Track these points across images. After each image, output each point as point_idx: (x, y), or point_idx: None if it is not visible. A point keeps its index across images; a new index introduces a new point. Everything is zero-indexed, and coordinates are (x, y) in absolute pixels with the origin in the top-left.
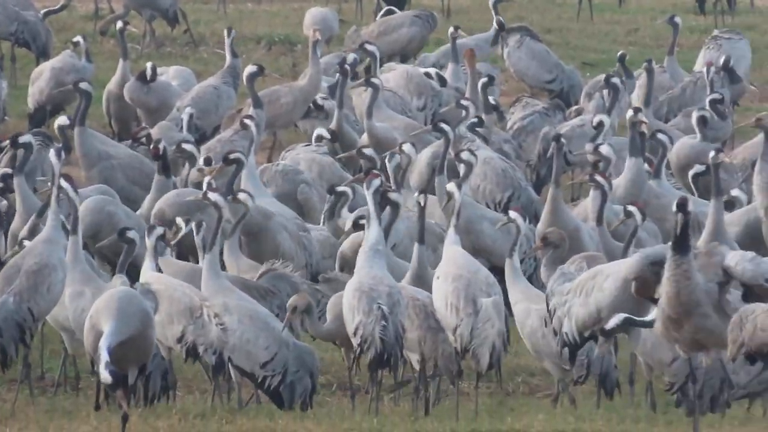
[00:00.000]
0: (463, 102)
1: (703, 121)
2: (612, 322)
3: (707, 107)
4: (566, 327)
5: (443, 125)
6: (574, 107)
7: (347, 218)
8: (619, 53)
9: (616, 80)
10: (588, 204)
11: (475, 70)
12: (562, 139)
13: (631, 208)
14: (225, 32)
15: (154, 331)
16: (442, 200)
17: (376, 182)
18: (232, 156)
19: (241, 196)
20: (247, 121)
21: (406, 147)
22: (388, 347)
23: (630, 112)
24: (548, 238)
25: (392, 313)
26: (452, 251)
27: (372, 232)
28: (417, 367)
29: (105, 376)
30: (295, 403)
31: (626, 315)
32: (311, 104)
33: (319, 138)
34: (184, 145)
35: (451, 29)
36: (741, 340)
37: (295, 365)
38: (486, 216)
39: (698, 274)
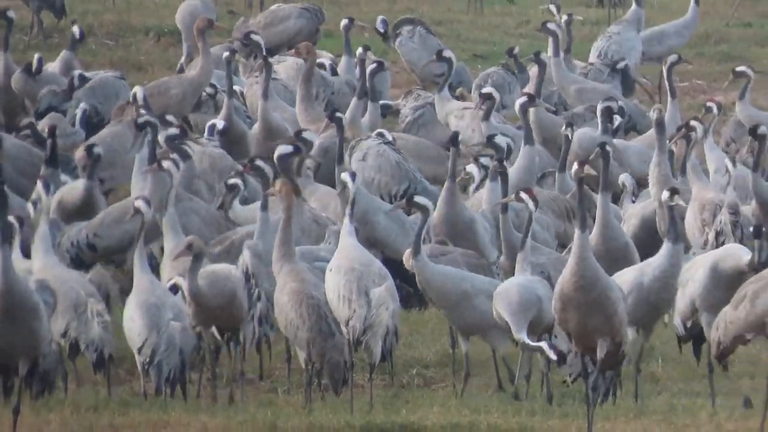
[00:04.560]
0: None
1: (607, 112)
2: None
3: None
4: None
5: (338, 114)
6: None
7: (239, 211)
8: (508, 47)
9: (543, 56)
10: (483, 194)
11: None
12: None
13: (523, 195)
14: None
15: (42, 325)
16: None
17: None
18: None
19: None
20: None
21: (307, 134)
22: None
23: (522, 99)
24: None
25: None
26: (346, 244)
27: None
28: (303, 365)
29: None
30: (162, 382)
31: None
32: (204, 94)
33: (212, 128)
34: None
35: (345, 21)
36: (717, 338)
37: (165, 344)
38: (382, 208)
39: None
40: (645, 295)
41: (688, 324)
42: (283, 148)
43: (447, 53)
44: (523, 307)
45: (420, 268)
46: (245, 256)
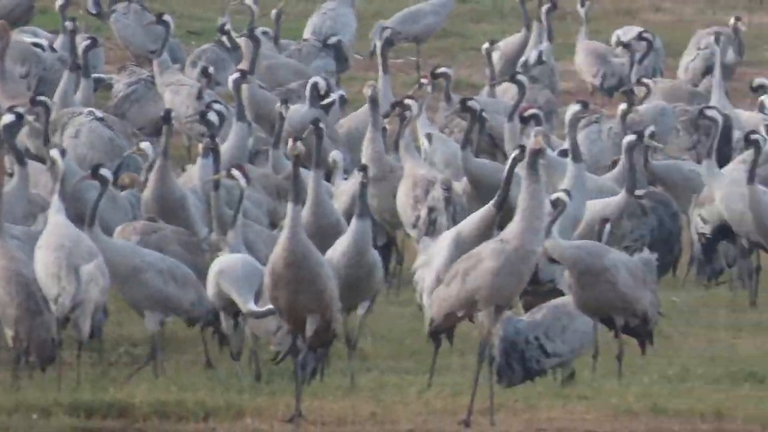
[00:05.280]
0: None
1: (314, 89)
2: None
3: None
4: None
5: (41, 98)
6: None
7: None
8: (220, 23)
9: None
10: (194, 171)
11: None
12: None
13: (234, 171)
14: None
15: None
16: None
17: None
18: None
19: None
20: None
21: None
22: None
23: (235, 75)
24: None
25: None
26: (55, 221)
27: None
28: (11, 343)
29: None
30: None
31: None
32: None
33: None
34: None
35: (60, 0)
36: (430, 316)
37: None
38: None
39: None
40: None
41: None
42: (7, 118)
43: (166, 17)
44: (248, 280)
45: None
46: None
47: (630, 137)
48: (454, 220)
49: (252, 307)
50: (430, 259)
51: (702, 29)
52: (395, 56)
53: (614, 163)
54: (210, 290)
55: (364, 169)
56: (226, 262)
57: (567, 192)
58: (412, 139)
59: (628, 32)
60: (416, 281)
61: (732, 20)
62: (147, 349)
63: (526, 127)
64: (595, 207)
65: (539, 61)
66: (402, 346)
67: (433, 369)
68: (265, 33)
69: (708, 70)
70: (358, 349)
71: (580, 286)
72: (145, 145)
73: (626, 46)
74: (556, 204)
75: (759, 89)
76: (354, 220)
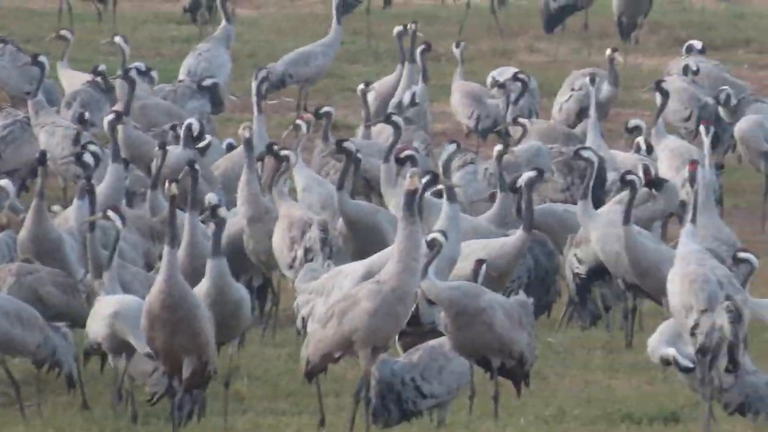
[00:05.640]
0: None
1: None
2: None
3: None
4: None
5: None
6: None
7: None
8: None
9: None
10: (69, 212)
11: None
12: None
13: (110, 213)
14: None
15: None
16: None
17: None
18: None
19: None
20: None
21: None
22: None
23: (110, 116)
24: None
25: None
26: None
27: None
28: None
29: None
30: None
31: None
32: None
33: None
34: None
35: None
36: (306, 356)
37: None
38: None
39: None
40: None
41: None
42: None
43: (41, 58)
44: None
45: None
46: None
47: (530, 173)
48: (330, 261)
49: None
50: (321, 285)
51: (577, 70)
52: (271, 97)
53: (492, 197)
54: (99, 332)
55: (213, 209)
56: (121, 305)
57: (443, 233)
58: (285, 185)
59: (503, 73)
60: (297, 307)
61: (608, 51)
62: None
63: (402, 168)
64: (494, 245)
65: (413, 102)
66: (277, 388)
67: (322, 409)
68: (140, 72)
69: (582, 111)
70: (233, 391)
71: (457, 327)
72: (4, 182)
73: (501, 86)
74: (432, 245)
75: (634, 130)
76: (209, 261)
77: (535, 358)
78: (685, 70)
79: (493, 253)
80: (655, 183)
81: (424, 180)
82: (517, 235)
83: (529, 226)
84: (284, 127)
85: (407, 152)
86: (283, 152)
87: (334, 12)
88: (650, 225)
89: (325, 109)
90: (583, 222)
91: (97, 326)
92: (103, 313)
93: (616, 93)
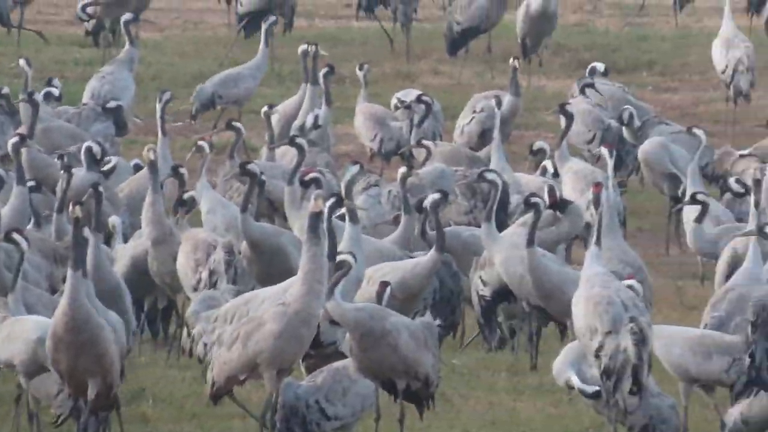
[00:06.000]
0: None
1: (88, 153)
2: None
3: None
4: None
5: None
6: None
7: None
8: None
9: None
10: None
11: None
12: None
13: (15, 235)
14: None
15: None
16: None
17: None
18: None
19: None
20: None
21: None
22: None
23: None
24: None
25: None
26: None
27: None
28: None
29: None
30: None
31: None
32: None
33: None
34: None
35: None
36: (211, 378)
37: None
38: None
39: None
40: None
41: None
42: None
43: None
44: None
45: None
46: None
47: (435, 195)
48: (235, 284)
49: None
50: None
51: (479, 93)
52: (174, 119)
53: (396, 219)
54: (21, 356)
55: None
56: (43, 330)
57: (352, 254)
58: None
59: (407, 95)
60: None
61: (511, 60)
62: None
63: (306, 190)
64: (405, 266)
65: (315, 125)
66: (182, 410)
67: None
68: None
69: (484, 134)
70: (138, 413)
71: (362, 348)
72: None
73: (408, 107)
74: (341, 266)
75: (539, 152)
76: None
77: (440, 380)
78: (582, 89)
79: (406, 275)
80: (559, 205)
81: (328, 203)
82: (429, 255)
83: (441, 246)
84: (188, 149)
85: (312, 175)
86: (187, 195)
87: (262, 35)
88: (555, 247)
89: (236, 124)
90: (487, 245)
91: (15, 348)
92: (25, 337)
93: (519, 104)
